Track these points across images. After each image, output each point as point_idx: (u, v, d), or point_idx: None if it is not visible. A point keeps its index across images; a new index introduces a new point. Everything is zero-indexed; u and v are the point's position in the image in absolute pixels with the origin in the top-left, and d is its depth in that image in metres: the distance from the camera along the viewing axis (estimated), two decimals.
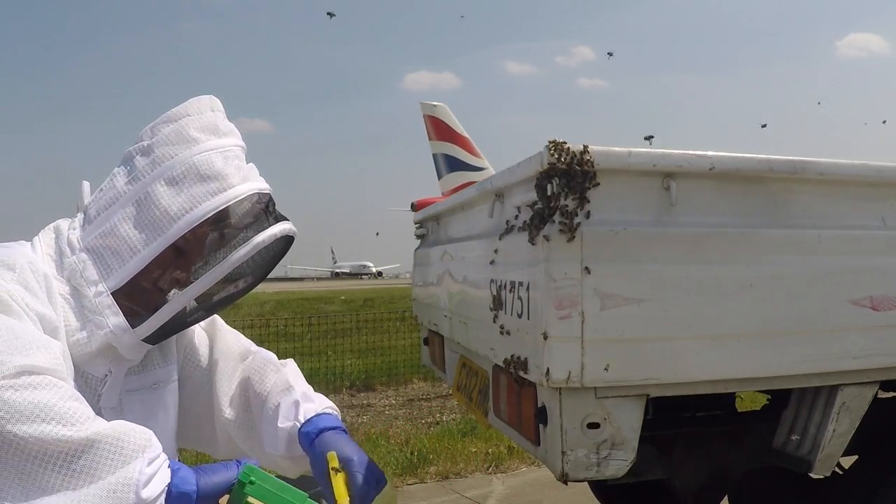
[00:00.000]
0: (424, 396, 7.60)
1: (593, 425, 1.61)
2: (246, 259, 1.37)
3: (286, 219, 1.41)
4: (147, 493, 1.07)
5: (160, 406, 1.48)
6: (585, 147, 1.59)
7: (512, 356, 1.77)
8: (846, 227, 1.79)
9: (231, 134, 1.42)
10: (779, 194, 1.76)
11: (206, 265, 1.40)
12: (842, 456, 1.88)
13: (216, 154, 1.36)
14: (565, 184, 1.59)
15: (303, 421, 1.46)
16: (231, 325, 1.71)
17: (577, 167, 1.58)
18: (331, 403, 1.54)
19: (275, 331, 9.00)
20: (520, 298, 1.71)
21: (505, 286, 1.82)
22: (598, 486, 3.16)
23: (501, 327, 1.84)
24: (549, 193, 1.62)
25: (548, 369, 1.56)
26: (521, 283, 1.71)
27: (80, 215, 1.39)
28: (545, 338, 1.56)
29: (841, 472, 2.11)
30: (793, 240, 1.73)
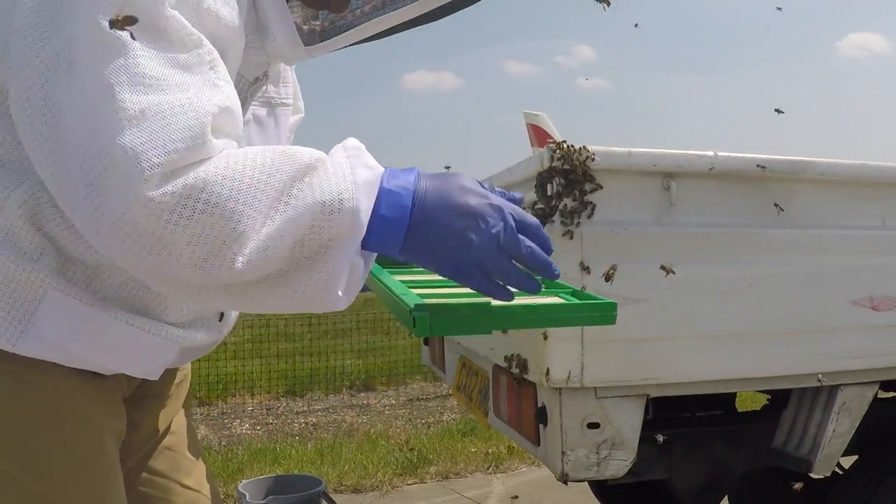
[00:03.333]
0: (424, 396, 7.59)
1: (593, 425, 1.61)
2: None
3: None
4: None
5: (280, 122, 1.35)
6: (585, 147, 1.59)
7: (512, 356, 1.77)
8: (846, 227, 1.79)
9: None
10: (779, 194, 1.76)
11: None
12: (842, 456, 1.88)
13: None
14: (565, 184, 1.59)
15: None
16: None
17: (577, 167, 1.58)
18: None
19: (275, 331, 8.98)
20: None
21: None
22: (598, 486, 3.15)
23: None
24: (549, 193, 1.62)
25: (548, 369, 1.56)
26: None
27: None
28: (545, 338, 1.56)
29: (841, 472, 2.11)
30: (793, 240, 1.73)
